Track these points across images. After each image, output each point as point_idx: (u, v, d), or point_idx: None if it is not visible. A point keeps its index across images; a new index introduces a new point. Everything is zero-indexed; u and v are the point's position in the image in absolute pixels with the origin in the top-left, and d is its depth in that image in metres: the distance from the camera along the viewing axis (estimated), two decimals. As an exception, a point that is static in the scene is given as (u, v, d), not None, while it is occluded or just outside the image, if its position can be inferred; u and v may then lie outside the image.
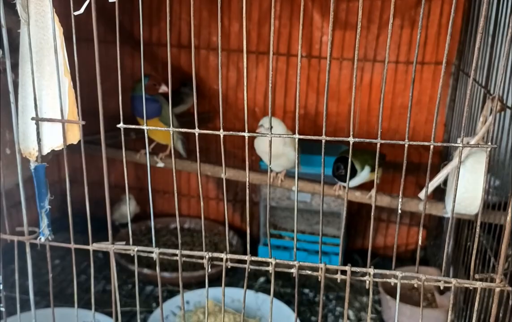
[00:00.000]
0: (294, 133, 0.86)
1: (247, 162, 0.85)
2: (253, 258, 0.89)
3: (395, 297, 1.53)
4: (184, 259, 0.97)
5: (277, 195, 1.87)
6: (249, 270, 0.90)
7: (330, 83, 1.91)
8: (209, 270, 0.92)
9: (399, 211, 0.84)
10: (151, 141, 1.66)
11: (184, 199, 2.18)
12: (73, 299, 0.93)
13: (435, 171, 1.95)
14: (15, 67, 0.89)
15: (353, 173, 1.40)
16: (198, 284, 1.75)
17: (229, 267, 0.90)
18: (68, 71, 0.84)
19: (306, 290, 1.82)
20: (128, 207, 0.93)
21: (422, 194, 1.22)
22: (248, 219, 0.91)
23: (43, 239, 0.91)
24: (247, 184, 0.87)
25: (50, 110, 0.86)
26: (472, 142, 1.09)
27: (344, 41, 1.87)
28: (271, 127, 1.25)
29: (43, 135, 0.87)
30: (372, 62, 1.87)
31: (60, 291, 1.67)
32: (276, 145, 1.41)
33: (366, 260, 2.01)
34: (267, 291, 1.75)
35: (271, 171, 1.52)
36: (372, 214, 0.86)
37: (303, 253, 1.87)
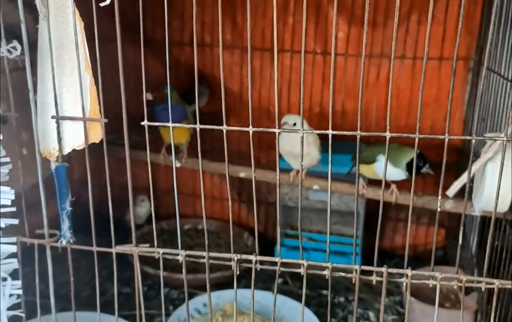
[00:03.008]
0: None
1: (278, 165, 0.82)
2: (284, 260, 0.85)
3: (418, 298, 1.49)
4: (201, 260, 0.94)
5: (294, 194, 1.83)
6: (279, 272, 0.86)
7: (346, 80, 1.88)
8: (237, 272, 0.88)
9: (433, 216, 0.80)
10: (164, 142, 1.63)
11: (199, 199, 2.15)
12: (89, 302, 0.91)
13: (454, 169, 1.92)
14: (32, 64, 0.86)
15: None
16: (215, 286, 1.71)
17: (258, 269, 0.87)
18: (90, 67, 0.81)
19: (325, 292, 1.78)
20: (153, 210, 0.90)
21: (450, 192, 1.18)
22: (279, 226, 0.88)
23: (64, 242, 0.88)
24: (278, 192, 0.84)
25: (71, 108, 0.83)
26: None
27: (360, 38, 1.83)
28: (292, 124, 1.22)
29: (64, 134, 0.85)
30: (389, 58, 1.83)
31: (76, 294, 1.63)
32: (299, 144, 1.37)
33: (384, 260, 1.96)
34: (285, 293, 1.72)
35: (297, 172, 1.49)
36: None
37: (321, 254, 1.83)
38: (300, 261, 0.84)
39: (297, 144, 1.36)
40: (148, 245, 0.89)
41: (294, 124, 1.31)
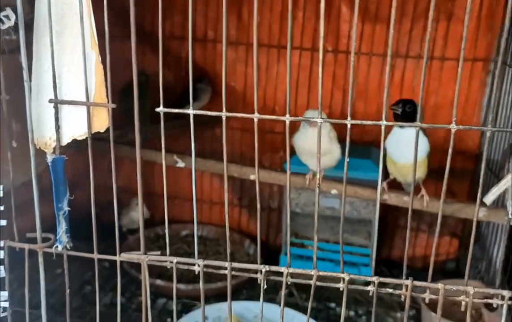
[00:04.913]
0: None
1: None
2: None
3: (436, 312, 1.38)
4: (222, 271, 0.82)
5: (301, 200, 1.72)
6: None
7: (358, 80, 1.77)
8: (265, 286, 0.76)
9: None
10: None
11: (197, 204, 2.02)
12: (78, 313, 0.79)
13: (470, 176, 1.82)
14: (27, 41, 0.74)
15: (413, 114, 1.24)
16: (215, 297, 1.59)
17: (289, 282, 0.75)
18: (96, 43, 0.69)
19: (332, 304, 1.67)
20: (166, 214, 0.77)
21: (487, 199, 1.08)
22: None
23: (60, 248, 0.76)
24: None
25: (72, 90, 0.71)
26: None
27: (374, 35, 1.73)
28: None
29: (63, 121, 0.72)
30: (404, 58, 1.73)
31: (65, 304, 1.51)
32: (323, 141, 1.23)
33: (393, 271, 1.85)
34: (289, 304, 1.60)
35: (313, 174, 1.37)
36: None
37: (329, 264, 1.72)
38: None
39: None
40: (159, 252, 0.77)
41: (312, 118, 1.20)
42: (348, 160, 0.70)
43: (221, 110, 2.00)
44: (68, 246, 0.75)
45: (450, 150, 0.68)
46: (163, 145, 0.72)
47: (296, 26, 1.77)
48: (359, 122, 0.70)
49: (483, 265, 1.66)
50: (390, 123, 0.70)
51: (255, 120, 0.70)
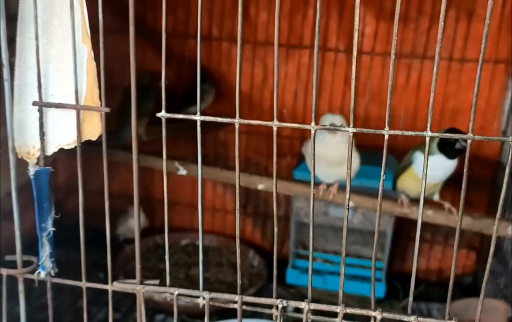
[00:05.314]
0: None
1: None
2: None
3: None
4: (232, 305, 0.72)
5: (311, 210, 1.61)
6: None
7: (372, 82, 1.67)
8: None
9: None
10: None
11: (197, 211, 1.92)
12: None
13: (489, 184, 1.72)
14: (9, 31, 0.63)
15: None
16: (218, 314, 1.48)
17: (309, 320, 0.64)
18: (88, 36, 0.59)
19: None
20: (166, 242, 0.67)
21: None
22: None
23: (43, 274, 0.65)
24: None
25: (59, 91, 0.61)
26: None
27: (389, 35, 1.63)
28: (339, 126, 1.00)
29: (49, 128, 0.62)
30: (421, 59, 1.63)
31: (57, 318, 1.40)
32: (342, 149, 1.13)
33: (406, 286, 1.73)
34: (298, 321, 1.49)
35: (327, 185, 1.27)
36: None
37: (337, 278, 1.60)
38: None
39: (339, 148, 1.13)
40: (157, 281, 0.66)
41: (341, 126, 1.11)
42: (384, 177, 0.60)
43: (225, 112, 1.87)
44: (52, 272, 0.64)
45: (507, 170, 0.58)
46: (164, 156, 0.61)
47: (307, 24, 1.67)
48: (399, 132, 0.60)
49: (503, 280, 1.55)
50: (436, 134, 0.60)
51: (274, 128, 0.59)
